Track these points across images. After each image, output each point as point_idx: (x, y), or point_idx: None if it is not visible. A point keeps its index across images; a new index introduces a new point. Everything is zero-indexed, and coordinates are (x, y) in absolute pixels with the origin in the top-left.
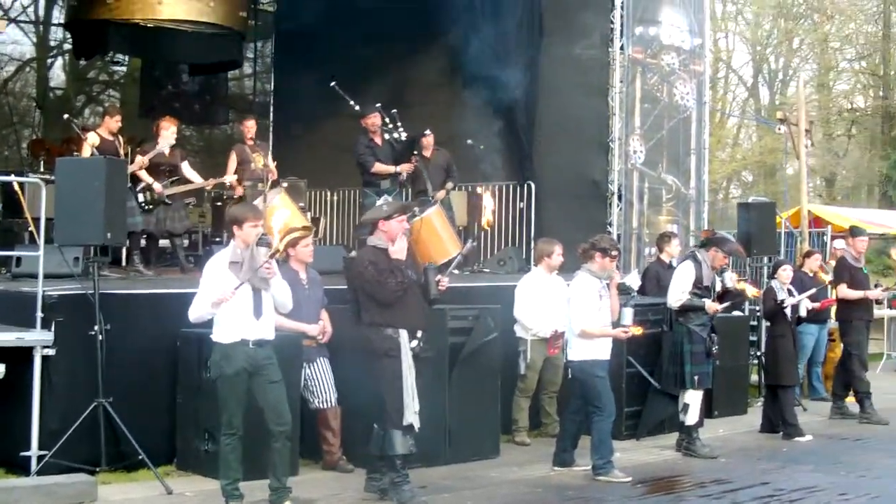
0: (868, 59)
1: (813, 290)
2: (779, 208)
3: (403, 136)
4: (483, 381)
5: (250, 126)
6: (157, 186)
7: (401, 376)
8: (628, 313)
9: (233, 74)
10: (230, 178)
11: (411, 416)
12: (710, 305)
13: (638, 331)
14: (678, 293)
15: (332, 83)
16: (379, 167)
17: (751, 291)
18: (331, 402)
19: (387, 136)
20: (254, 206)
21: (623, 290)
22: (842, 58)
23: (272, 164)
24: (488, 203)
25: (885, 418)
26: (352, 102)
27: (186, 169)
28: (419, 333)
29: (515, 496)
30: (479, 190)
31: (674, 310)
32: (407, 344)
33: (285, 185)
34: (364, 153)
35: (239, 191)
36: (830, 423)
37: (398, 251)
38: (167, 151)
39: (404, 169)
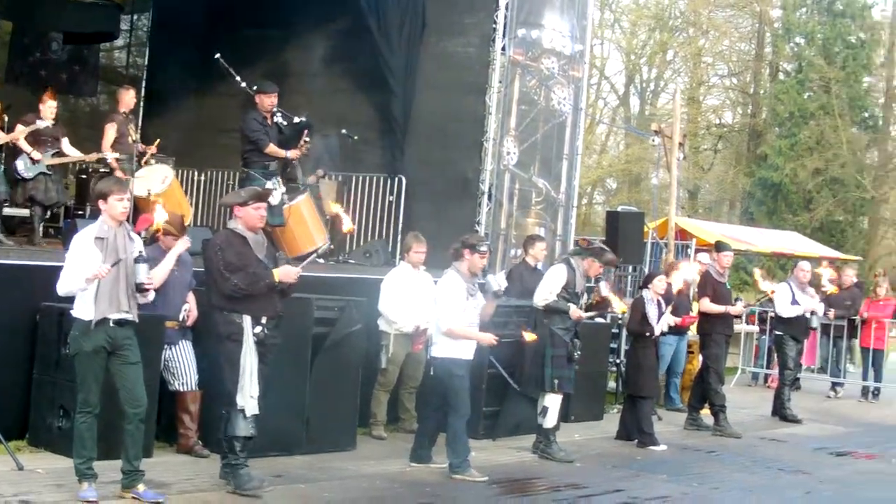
0: (739, 77)
1: (674, 319)
2: (646, 218)
3: (296, 119)
4: (344, 372)
5: (131, 96)
6: (36, 155)
7: (239, 360)
8: (494, 279)
9: (105, 46)
10: (112, 155)
11: (246, 400)
12: (575, 312)
13: (532, 337)
14: (546, 293)
15: (217, 56)
16: (273, 148)
17: (618, 306)
18: (191, 384)
19: (276, 119)
20: (119, 179)
21: (485, 290)
22: (713, 73)
23: (136, 137)
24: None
25: (738, 432)
26: (238, 78)
27: (66, 145)
28: (264, 320)
29: (372, 490)
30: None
31: (539, 312)
32: (250, 329)
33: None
34: (258, 131)
35: (118, 173)
36: (685, 434)
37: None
38: (50, 125)
39: (294, 155)
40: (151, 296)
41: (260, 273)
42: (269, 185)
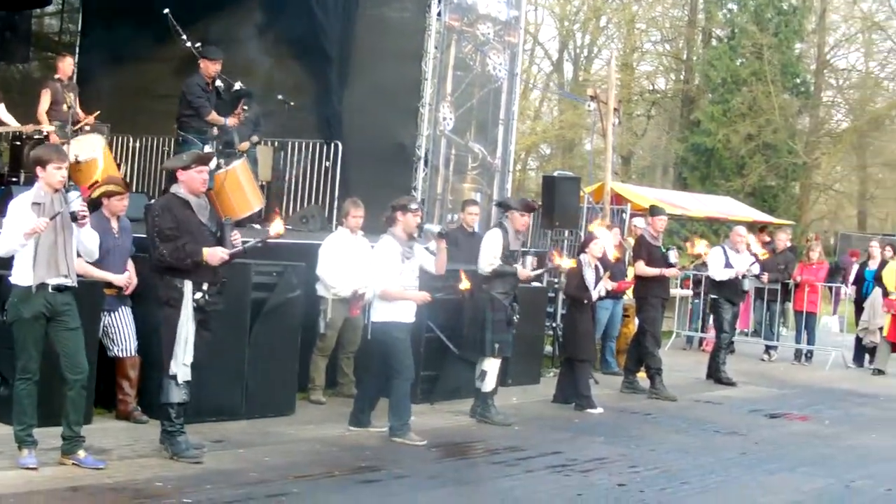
0: (672, 43)
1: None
2: (581, 184)
3: (236, 87)
4: (283, 338)
5: (70, 63)
6: None
7: (176, 326)
8: (432, 228)
9: (37, 12)
10: (48, 127)
11: (178, 367)
12: (522, 272)
13: (466, 285)
14: (490, 258)
15: (166, 11)
16: (214, 116)
17: (567, 264)
18: (130, 351)
19: (215, 84)
20: (59, 147)
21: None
22: (647, 39)
23: (78, 108)
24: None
25: (673, 395)
26: (184, 37)
27: (3, 112)
28: (205, 286)
29: (312, 454)
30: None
31: (478, 277)
32: (190, 295)
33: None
34: (202, 97)
35: (53, 138)
36: (621, 396)
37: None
38: None
39: (232, 122)
40: (91, 235)
41: (188, 250)
42: (207, 149)
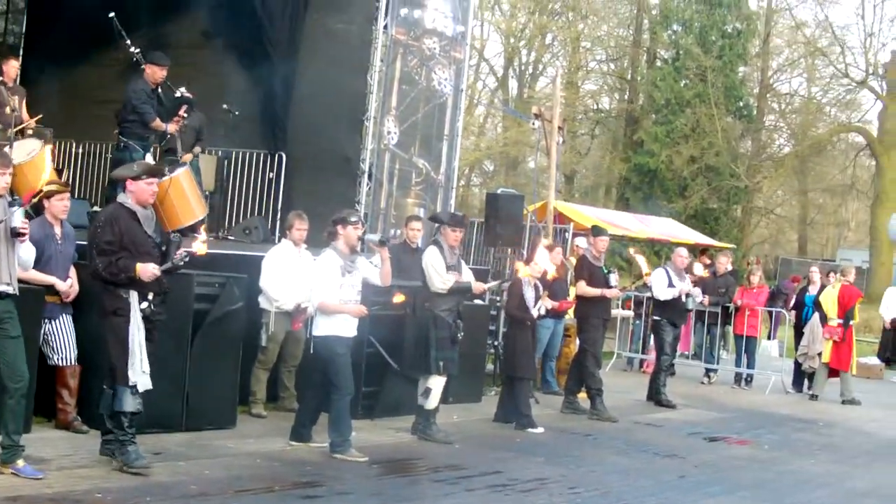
0: (617, 63)
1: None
2: (525, 202)
3: (178, 93)
4: (224, 350)
5: (14, 66)
6: None
7: (127, 335)
8: (374, 237)
9: None
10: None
11: (137, 375)
12: (477, 286)
13: (400, 298)
14: (440, 278)
15: (111, 15)
16: (157, 122)
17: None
18: (70, 359)
19: (160, 89)
20: (3, 152)
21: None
22: (592, 58)
23: (24, 111)
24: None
25: (614, 416)
26: (128, 42)
27: None
28: (150, 296)
29: (252, 468)
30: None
31: (420, 295)
32: (137, 305)
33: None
34: (147, 102)
35: None
36: (562, 417)
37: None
38: None
39: (172, 129)
40: (28, 249)
41: (121, 265)
42: (148, 156)
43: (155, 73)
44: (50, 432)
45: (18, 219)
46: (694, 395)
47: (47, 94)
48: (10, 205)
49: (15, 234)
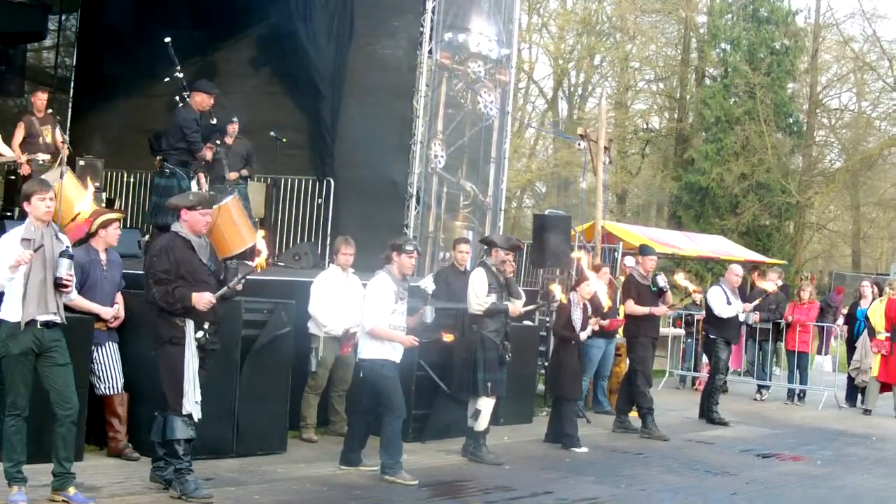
0: (666, 82)
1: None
2: (573, 222)
3: (214, 121)
4: (274, 375)
5: (42, 98)
6: None
7: (182, 364)
8: (430, 311)
9: (33, 46)
10: (10, 155)
11: (190, 405)
12: (514, 308)
13: (450, 337)
14: (478, 299)
15: (167, 40)
16: (204, 151)
17: (558, 293)
18: (117, 388)
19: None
20: (42, 179)
21: (417, 293)
22: (640, 78)
23: (60, 138)
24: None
25: (665, 434)
26: (178, 68)
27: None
28: (206, 325)
29: (302, 493)
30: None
31: (468, 317)
32: (192, 333)
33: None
34: (197, 131)
35: (25, 169)
36: (613, 436)
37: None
38: None
39: (208, 157)
40: (74, 293)
41: (178, 295)
42: (193, 184)
43: (204, 101)
44: (101, 460)
45: (65, 269)
46: (746, 411)
47: (98, 125)
48: (61, 255)
49: (58, 286)
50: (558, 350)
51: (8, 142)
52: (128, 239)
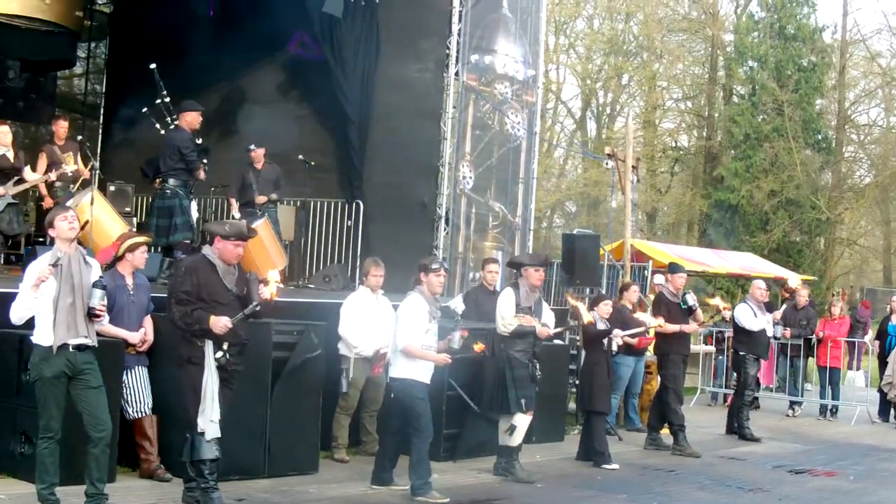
0: (694, 100)
1: (640, 329)
2: (602, 241)
3: (199, 140)
4: (304, 396)
5: (63, 126)
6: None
7: (200, 383)
8: (457, 336)
9: (63, 73)
10: (70, 167)
11: (206, 423)
12: (541, 330)
13: (480, 346)
14: (506, 319)
15: (152, 66)
16: (200, 171)
17: (580, 307)
18: (145, 410)
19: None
20: (65, 206)
21: (447, 313)
22: (668, 97)
23: (81, 165)
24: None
25: (697, 451)
26: (164, 93)
27: (28, 172)
28: (225, 346)
29: None
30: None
31: (496, 337)
32: (211, 353)
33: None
34: (195, 150)
35: (48, 202)
36: (645, 453)
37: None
38: (10, 156)
39: (202, 177)
40: (106, 319)
41: (196, 317)
42: (193, 204)
43: (194, 119)
44: (134, 482)
45: (97, 300)
46: (778, 428)
47: (130, 149)
48: (94, 285)
49: (91, 315)
50: (588, 365)
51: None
52: (153, 263)
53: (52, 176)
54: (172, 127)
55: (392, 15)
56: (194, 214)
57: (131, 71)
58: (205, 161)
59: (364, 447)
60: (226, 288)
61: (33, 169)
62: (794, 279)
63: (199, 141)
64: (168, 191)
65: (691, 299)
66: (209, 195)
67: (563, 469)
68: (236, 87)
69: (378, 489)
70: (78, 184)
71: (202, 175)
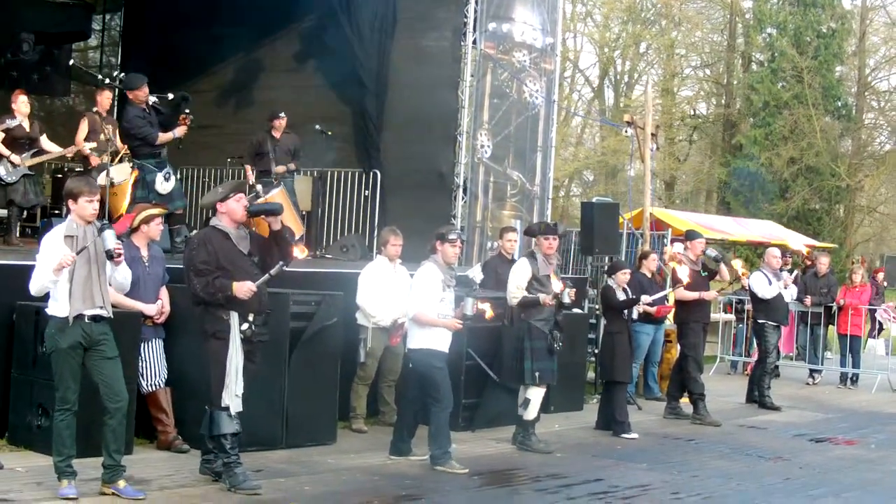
0: (712, 68)
1: (665, 293)
2: (621, 209)
3: (170, 96)
4: (322, 367)
5: (107, 97)
6: (15, 159)
7: (225, 358)
8: (469, 303)
9: (77, 45)
10: (89, 144)
11: (230, 398)
12: (544, 298)
13: (490, 313)
14: (514, 289)
15: (71, 62)
16: (162, 137)
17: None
18: (160, 383)
19: (151, 102)
20: (90, 179)
21: (465, 282)
22: (687, 64)
23: (118, 138)
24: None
25: (717, 420)
26: (99, 77)
27: (45, 142)
28: (251, 317)
29: (352, 483)
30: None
31: (515, 307)
32: (237, 326)
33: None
34: (143, 126)
35: (94, 160)
36: (664, 422)
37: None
38: (26, 125)
39: (181, 132)
40: (124, 271)
41: (218, 285)
42: (161, 174)
43: (138, 95)
44: (151, 453)
45: (112, 240)
46: (798, 396)
47: None
48: (101, 229)
49: (110, 257)
50: (609, 334)
51: (67, 139)
52: (164, 236)
53: (70, 150)
54: (127, 107)
55: None
56: (168, 184)
57: (146, 42)
58: (186, 111)
59: (382, 417)
60: (241, 253)
61: (73, 135)
62: (795, 242)
63: (171, 95)
64: (134, 164)
65: (712, 252)
66: (226, 166)
67: (582, 438)
68: (253, 58)
69: (396, 459)
70: (118, 158)
71: (170, 136)
